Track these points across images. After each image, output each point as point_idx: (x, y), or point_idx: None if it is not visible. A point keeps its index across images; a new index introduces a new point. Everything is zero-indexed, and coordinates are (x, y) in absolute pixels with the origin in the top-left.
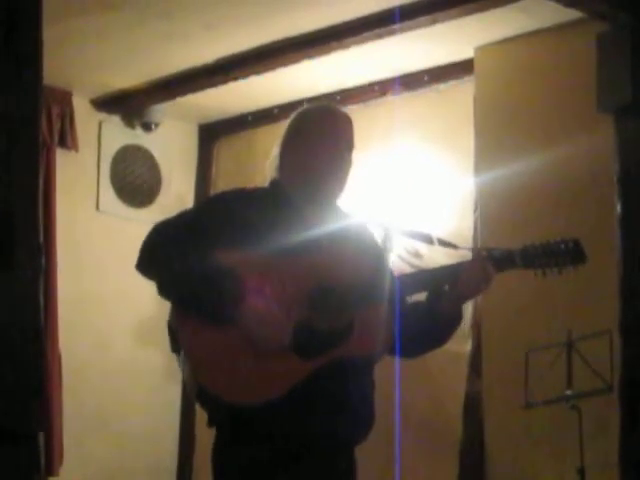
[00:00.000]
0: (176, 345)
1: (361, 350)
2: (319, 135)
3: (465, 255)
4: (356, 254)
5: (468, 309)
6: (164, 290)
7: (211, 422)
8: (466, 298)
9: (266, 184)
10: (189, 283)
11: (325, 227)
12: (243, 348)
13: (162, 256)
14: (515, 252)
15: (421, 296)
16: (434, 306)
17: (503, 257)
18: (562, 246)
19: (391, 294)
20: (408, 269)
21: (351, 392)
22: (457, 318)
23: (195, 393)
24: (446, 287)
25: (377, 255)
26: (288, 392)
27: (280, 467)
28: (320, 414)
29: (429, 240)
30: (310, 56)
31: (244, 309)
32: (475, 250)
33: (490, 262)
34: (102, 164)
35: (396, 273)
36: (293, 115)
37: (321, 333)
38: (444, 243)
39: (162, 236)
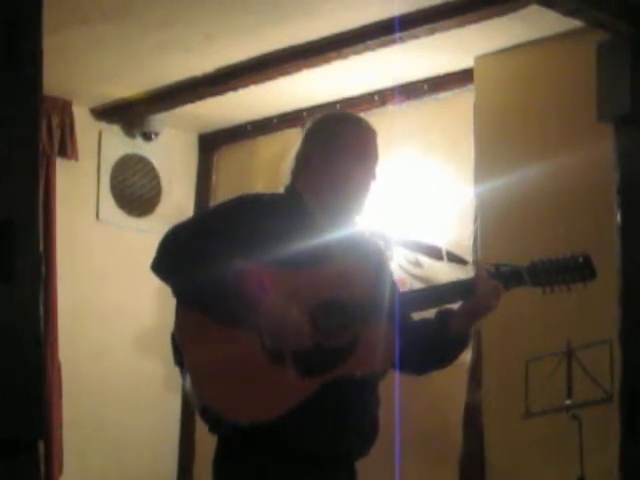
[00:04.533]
0: (179, 358)
1: (365, 367)
2: (355, 154)
3: (469, 268)
4: (365, 269)
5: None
6: (181, 291)
7: (213, 431)
8: (477, 316)
9: (269, 189)
10: (207, 285)
11: (336, 240)
12: (246, 366)
13: (179, 259)
14: (523, 270)
15: (430, 314)
16: (445, 326)
17: (511, 275)
18: (571, 262)
19: (393, 310)
20: (408, 278)
21: (355, 410)
22: (465, 339)
23: (199, 410)
24: (456, 306)
25: (385, 271)
26: (290, 410)
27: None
28: (322, 432)
29: (438, 256)
30: (310, 66)
31: (264, 311)
32: (483, 267)
33: (497, 279)
34: (102, 173)
35: (403, 289)
36: (320, 120)
37: (324, 350)
38: (453, 258)
39: (180, 238)
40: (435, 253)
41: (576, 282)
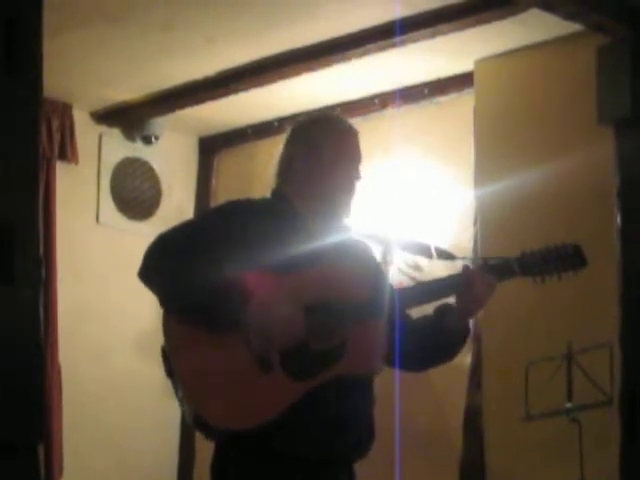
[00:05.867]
0: (170, 370)
1: (357, 368)
2: (336, 157)
3: (459, 264)
4: (354, 270)
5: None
6: (168, 299)
7: (209, 438)
8: (472, 309)
9: (268, 192)
10: (194, 292)
11: (325, 242)
12: (235, 373)
13: (166, 265)
14: (512, 260)
15: (428, 310)
16: (441, 320)
17: (500, 266)
18: (561, 252)
19: (390, 309)
20: (408, 281)
21: (348, 411)
22: (464, 332)
23: (192, 420)
24: (452, 300)
25: (376, 270)
26: (282, 414)
27: None
28: (316, 434)
29: (428, 253)
30: (310, 69)
31: (253, 311)
32: (472, 260)
33: (487, 272)
34: (102, 177)
35: (396, 286)
36: (301, 124)
37: (313, 353)
38: (442, 255)
39: (167, 245)
40: (424, 250)
41: (567, 271)
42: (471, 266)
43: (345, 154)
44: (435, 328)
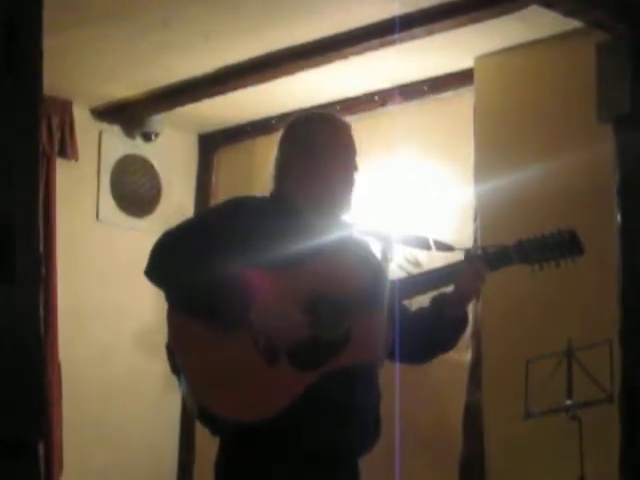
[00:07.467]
0: (175, 366)
1: (361, 358)
2: (331, 153)
3: (459, 255)
4: (354, 264)
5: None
6: (174, 297)
7: (215, 433)
8: (466, 298)
9: (267, 192)
10: (201, 289)
11: (326, 237)
12: (241, 366)
13: (172, 262)
14: (510, 248)
15: (425, 301)
16: (439, 310)
17: (498, 254)
18: (558, 238)
19: (391, 302)
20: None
21: (353, 402)
22: (463, 321)
23: (196, 413)
24: (448, 290)
25: (376, 264)
26: (289, 405)
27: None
28: (322, 425)
29: (426, 246)
30: (309, 66)
31: (258, 307)
32: (469, 249)
33: (485, 260)
34: (102, 174)
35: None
36: (294, 123)
37: (318, 344)
38: (441, 247)
39: (173, 243)
40: (422, 243)
41: (565, 258)
42: (468, 256)
43: (339, 148)
44: (434, 318)
